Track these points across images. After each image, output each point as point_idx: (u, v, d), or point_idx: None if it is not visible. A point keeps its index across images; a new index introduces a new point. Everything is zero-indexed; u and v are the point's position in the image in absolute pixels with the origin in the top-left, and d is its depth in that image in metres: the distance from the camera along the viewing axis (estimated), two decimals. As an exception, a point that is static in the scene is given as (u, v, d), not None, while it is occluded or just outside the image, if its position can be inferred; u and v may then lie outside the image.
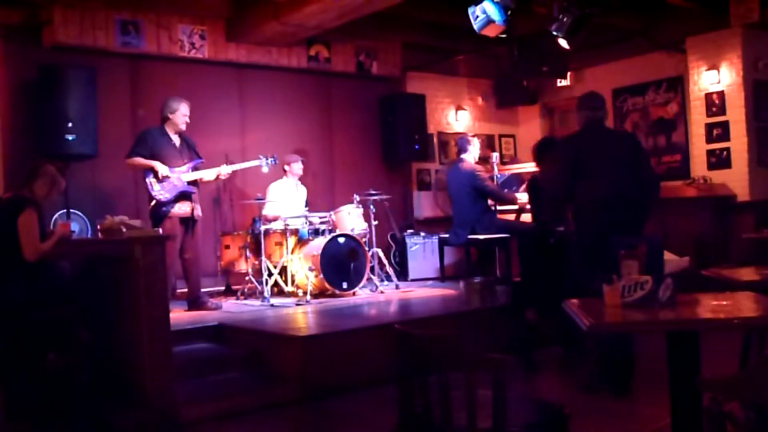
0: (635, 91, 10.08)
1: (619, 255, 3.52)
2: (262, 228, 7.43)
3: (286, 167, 8.15)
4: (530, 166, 9.29)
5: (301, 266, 7.48)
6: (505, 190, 8.65)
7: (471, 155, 8.18)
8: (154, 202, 6.58)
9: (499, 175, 8.75)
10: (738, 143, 8.70)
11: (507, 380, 2.30)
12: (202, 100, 8.09)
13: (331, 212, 7.88)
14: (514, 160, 10.87)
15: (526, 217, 8.37)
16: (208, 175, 6.94)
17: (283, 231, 7.56)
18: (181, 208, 6.66)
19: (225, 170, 7.04)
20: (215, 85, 8.65)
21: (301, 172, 8.23)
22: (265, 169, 7.43)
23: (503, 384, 2.30)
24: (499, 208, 8.65)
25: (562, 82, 10.67)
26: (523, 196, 8.46)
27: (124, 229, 4.81)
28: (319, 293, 7.45)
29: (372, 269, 7.81)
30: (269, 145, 8.57)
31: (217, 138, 8.29)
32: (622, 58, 10.09)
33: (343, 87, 9.76)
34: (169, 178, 6.58)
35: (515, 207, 8.44)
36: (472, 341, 2.43)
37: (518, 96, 11.00)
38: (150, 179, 6.56)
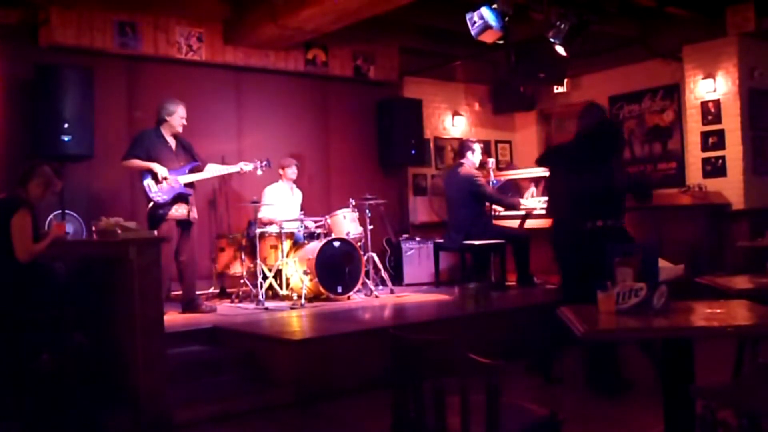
0: (631, 98, 10.11)
1: (614, 262, 3.54)
2: (258, 231, 7.42)
3: (281, 171, 8.14)
4: (526, 172, 9.31)
5: (296, 270, 7.48)
6: (509, 194, 8.67)
7: (470, 160, 8.19)
8: (151, 204, 6.56)
9: (494, 181, 8.77)
10: (733, 152, 8.73)
11: (500, 386, 2.30)
12: (199, 102, 8.09)
13: (327, 216, 7.88)
14: (510, 166, 10.89)
15: (533, 223, 8.36)
16: (223, 171, 7.11)
17: (279, 234, 7.56)
18: (178, 211, 6.65)
19: (246, 167, 7.18)
20: (212, 87, 8.64)
21: (294, 176, 8.21)
22: (259, 172, 7.42)
23: (497, 389, 2.31)
24: (503, 213, 8.65)
25: (559, 89, 10.70)
26: (527, 202, 8.45)
27: (119, 231, 4.80)
28: (313, 297, 7.44)
29: (367, 273, 7.80)
30: (266, 149, 8.57)
31: (213, 140, 8.28)
32: (619, 66, 10.13)
33: (340, 91, 9.76)
34: (167, 180, 6.57)
35: (522, 213, 8.42)
36: (466, 346, 2.43)
37: (515, 102, 11.02)
38: (147, 181, 6.55)
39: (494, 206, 8.62)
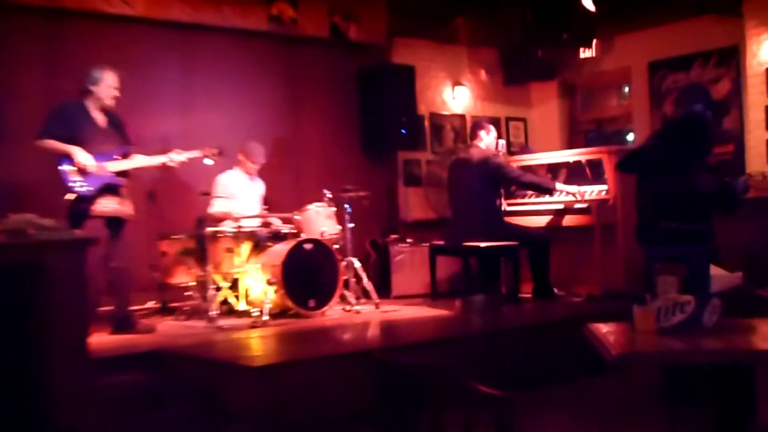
0: (677, 65, 10.14)
1: (654, 269, 3.54)
2: (209, 230, 7.40)
3: (241, 157, 8.08)
4: (544, 157, 9.31)
5: (258, 279, 7.47)
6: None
7: (484, 143, 8.20)
8: (72, 197, 6.53)
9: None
10: (806, 131, 8.81)
11: (513, 420, 2.31)
12: (137, 69, 8.03)
13: (296, 212, 7.87)
14: (525, 149, 10.90)
15: (571, 220, 8.32)
16: (149, 162, 6.96)
17: (236, 235, 7.55)
18: (107, 205, 6.63)
19: (177, 158, 7.04)
20: (152, 50, 8.62)
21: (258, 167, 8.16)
22: (209, 162, 7.34)
23: (508, 425, 2.31)
24: (531, 207, 8.64)
25: (585, 53, 10.72)
26: (566, 187, 8.33)
27: (32, 231, 4.78)
28: (279, 313, 7.44)
29: (346, 284, 7.81)
30: (219, 127, 8.57)
31: (153, 117, 8.26)
32: (662, 24, 10.14)
33: (313, 55, 9.76)
34: (92, 167, 6.53)
35: (559, 207, 8.35)
36: (471, 373, 2.44)
37: (531, 70, 11.03)
38: (66, 167, 6.52)
39: (504, 200, 8.64)
